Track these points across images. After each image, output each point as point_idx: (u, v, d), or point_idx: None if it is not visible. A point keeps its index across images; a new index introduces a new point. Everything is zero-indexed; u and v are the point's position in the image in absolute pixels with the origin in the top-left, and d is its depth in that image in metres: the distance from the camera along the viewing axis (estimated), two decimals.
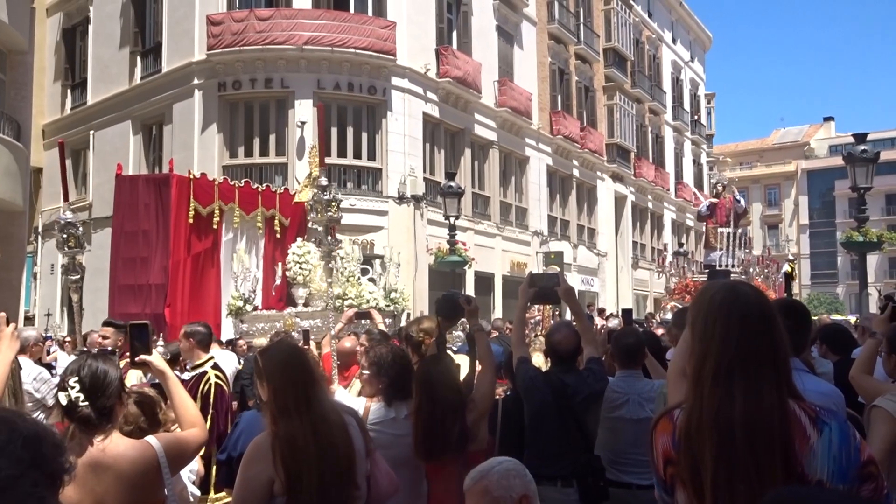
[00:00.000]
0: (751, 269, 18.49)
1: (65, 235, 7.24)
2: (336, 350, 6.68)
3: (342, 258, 11.41)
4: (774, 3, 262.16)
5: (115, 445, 2.84)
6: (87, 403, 2.81)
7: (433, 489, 3.98)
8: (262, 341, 11.00)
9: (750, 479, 1.91)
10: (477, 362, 4.43)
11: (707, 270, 18.96)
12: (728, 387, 1.99)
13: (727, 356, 2.01)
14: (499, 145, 27.33)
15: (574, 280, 29.96)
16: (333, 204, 10.45)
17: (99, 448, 2.81)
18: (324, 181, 10.78)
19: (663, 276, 20.60)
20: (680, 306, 18.79)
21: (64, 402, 2.83)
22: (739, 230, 19.47)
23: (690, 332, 2.14)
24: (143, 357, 3.20)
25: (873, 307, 18.89)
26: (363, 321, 7.58)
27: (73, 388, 2.82)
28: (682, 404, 2.18)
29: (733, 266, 18.09)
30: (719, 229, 18.99)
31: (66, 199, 7.96)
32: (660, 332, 7.80)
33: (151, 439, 2.96)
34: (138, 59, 24.26)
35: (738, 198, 19.78)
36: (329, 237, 10.79)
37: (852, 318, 16.51)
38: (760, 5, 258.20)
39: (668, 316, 18.30)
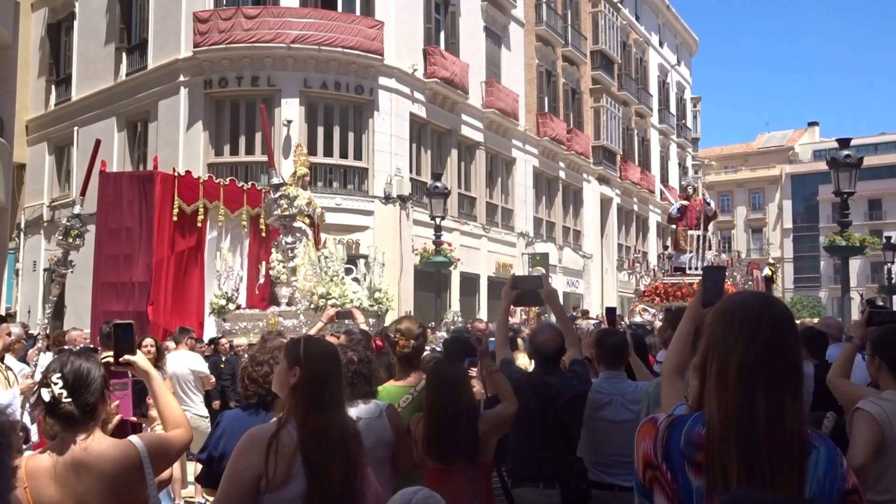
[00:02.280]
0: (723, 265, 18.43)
1: (78, 225, 7.19)
2: None
3: (326, 257, 11.38)
4: (761, 9, 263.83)
5: (97, 444, 2.81)
6: (70, 400, 2.78)
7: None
8: (242, 340, 10.97)
9: (764, 480, 1.91)
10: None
11: (677, 272, 18.92)
12: (752, 389, 1.97)
13: (751, 357, 1.99)
14: (485, 146, 27.35)
15: (559, 282, 30.01)
16: (282, 201, 10.48)
17: (81, 447, 2.78)
18: (275, 180, 10.81)
19: (634, 278, 20.52)
20: (651, 309, 18.79)
21: (47, 398, 2.79)
22: (709, 232, 19.44)
23: (711, 331, 2.10)
24: (127, 357, 3.17)
25: (855, 311, 19.05)
26: (345, 321, 7.55)
27: (56, 384, 2.79)
28: (678, 408, 2.18)
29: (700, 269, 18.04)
30: (689, 232, 18.96)
31: (83, 193, 7.91)
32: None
33: (134, 439, 2.93)
34: (124, 55, 24.14)
35: (707, 200, 19.70)
36: (283, 237, 10.81)
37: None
38: (747, 10, 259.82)
39: (637, 319, 18.27)
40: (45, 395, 2.80)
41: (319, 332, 6.98)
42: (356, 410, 3.92)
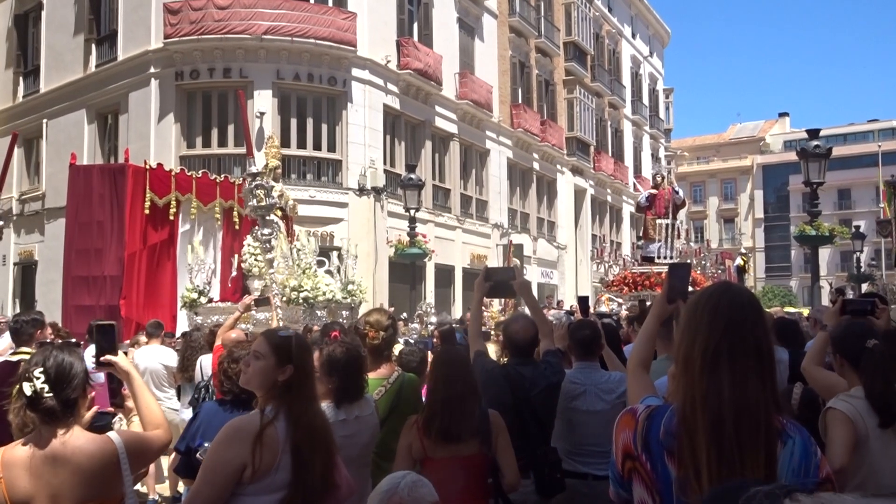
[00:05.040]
0: (689, 261, 18.37)
1: None
2: (222, 341, 6.56)
3: (298, 250, 11.32)
4: (732, 1, 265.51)
5: (75, 439, 2.80)
6: (51, 395, 2.76)
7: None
8: (232, 335, 10.86)
9: (734, 465, 1.93)
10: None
11: (646, 262, 18.83)
12: (716, 372, 2.01)
13: (714, 341, 2.03)
14: (459, 138, 27.34)
15: (533, 273, 30.12)
16: (259, 192, 10.42)
17: (59, 441, 2.77)
18: (253, 169, 10.73)
19: (602, 268, 20.41)
20: (618, 300, 18.79)
21: (28, 392, 2.77)
22: (678, 221, 19.31)
23: (681, 323, 2.16)
24: (108, 357, 3.15)
25: (825, 300, 19.25)
26: (268, 307, 7.48)
27: (38, 378, 2.77)
28: (645, 400, 2.22)
29: (671, 257, 17.88)
30: (658, 220, 18.84)
31: None
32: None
33: (113, 435, 2.92)
34: (93, 46, 23.79)
35: (676, 189, 19.52)
36: (260, 228, 10.74)
37: (805, 311, 16.77)
38: (719, 2, 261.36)
39: (603, 308, 18.27)
40: (27, 389, 2.78)
41: (236, 320, 6.91)
42: (353, 409, 3.93)
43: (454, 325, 10.84)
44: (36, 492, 2.71)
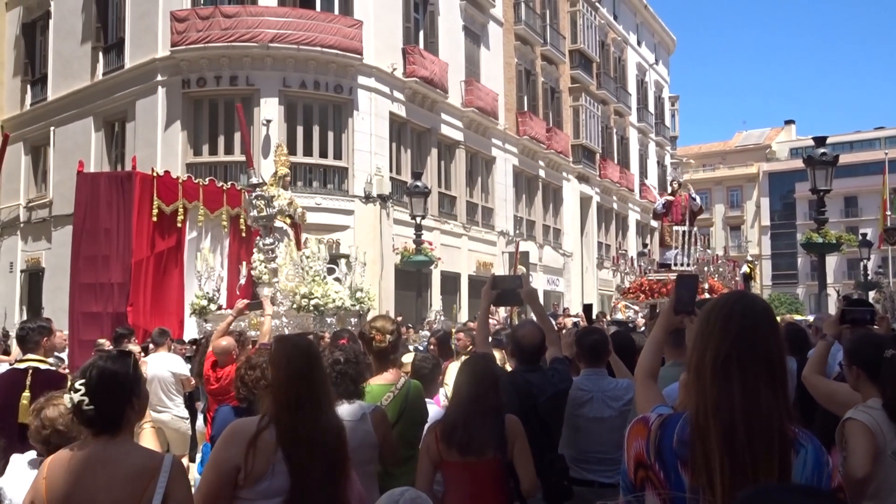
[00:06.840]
0: (706, 268, 18.23)
1: None
2: (212, 348, 6.58)
3: (308, 257, 11.33)
4: (738, 8, 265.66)
5: (118, 447, 2.80)
6: (91, 406, 2.77)
7: (450, 490, 3.95)
8: (223, 342, 10.88)
9: (746, 472, 1.93)
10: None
11: (662, 269, 18.67)
12: (727, 380, 2.01)
13: (724, 348, 2.03)
14: (465, 145, 27.38)
15: (539, 280, 30.10)
16: (259, 202, 10.45)
17: (102, 446, 2.78)
18: (254, 180, 10.78)
19: (618, 275, 20.19)
20: (634, 307, 18.70)
21: (68, 404, 2.83)
22: (695, 228, 19.08)
23: (694, 331, 2.17)
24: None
25: (832, 307, 19.19)
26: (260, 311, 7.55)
27: (78, 390, 2.79)
28: (656, 409, 2.21)
29: (688, 265, 17.74)
30: (674, 227, 18.62)
31: None
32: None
33: (168, 455, 2.91)
34: (100, 54, 23.93)
35: (693, 196, 19.23)
36: (263, 238, 10.78)
37: (811, 318, 16.72)
38: (724, 10, 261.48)
39: (619, 316, 18.18)
40: (67, 400, 2.84)
41: (229, 325, 6.95)
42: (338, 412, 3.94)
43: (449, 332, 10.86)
44: (74, 493, 2.72)
